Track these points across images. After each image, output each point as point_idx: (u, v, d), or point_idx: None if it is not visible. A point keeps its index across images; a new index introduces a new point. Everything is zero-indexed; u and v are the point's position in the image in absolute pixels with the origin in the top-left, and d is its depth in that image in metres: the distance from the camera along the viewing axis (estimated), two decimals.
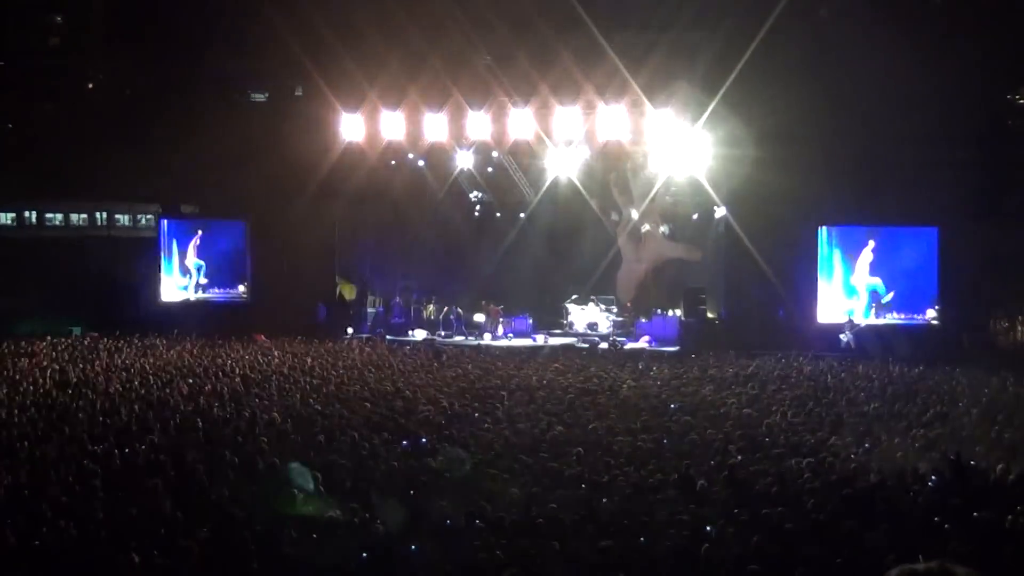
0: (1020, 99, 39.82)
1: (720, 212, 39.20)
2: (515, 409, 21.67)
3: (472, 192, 43.26)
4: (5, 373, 26.04)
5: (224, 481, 14.51)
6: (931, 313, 35.34)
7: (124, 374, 26.20)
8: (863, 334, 34.73)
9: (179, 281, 41.19)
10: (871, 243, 35.90)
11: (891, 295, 35.61)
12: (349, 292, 41.80)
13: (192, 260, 41.17)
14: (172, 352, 31.11)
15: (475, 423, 19.91)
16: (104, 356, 29.85)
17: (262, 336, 34.52)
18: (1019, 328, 37.33)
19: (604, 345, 37.04)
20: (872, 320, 35.57)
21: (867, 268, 36.03)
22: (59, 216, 40.24)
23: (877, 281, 35.93)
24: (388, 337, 38.16)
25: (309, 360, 29.66)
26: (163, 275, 41.08)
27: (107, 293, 39.48)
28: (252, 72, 41.07)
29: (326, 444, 17.38)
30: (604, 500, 14.01)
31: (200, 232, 41.12)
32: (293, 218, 38.36)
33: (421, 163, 40.25)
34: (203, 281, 41.00)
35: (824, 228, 36.37)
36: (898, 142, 34.50)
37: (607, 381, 26.36)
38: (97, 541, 11.69)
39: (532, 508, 13.39)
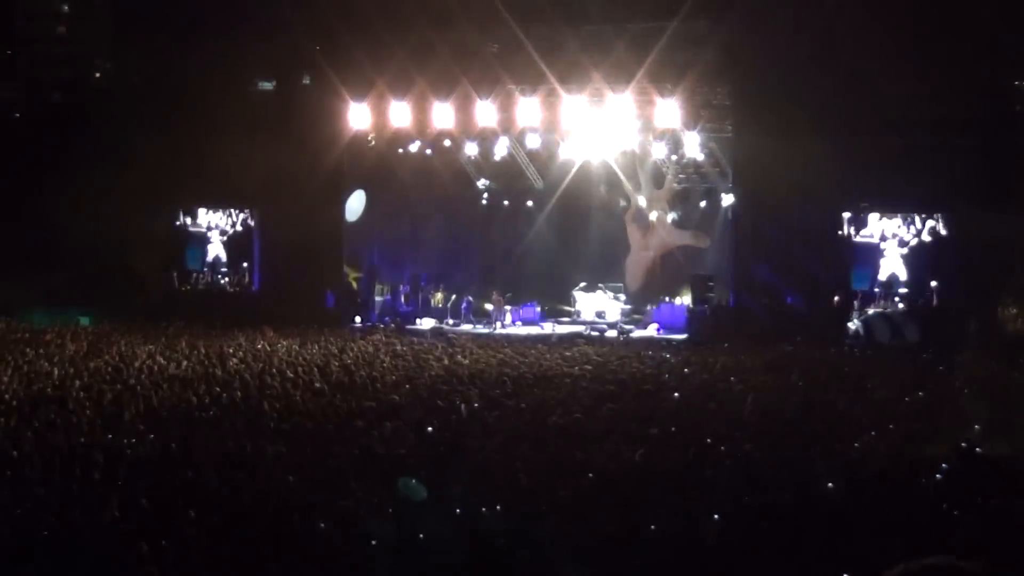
0: None
1: (728, 199, 39.15)
2: (523, 398, 21.69)
3: (479, 180, 43.24)
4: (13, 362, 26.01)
5: (233, 469, 14.54)
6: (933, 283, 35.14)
7: (132, 363, 26.20)
8: (872, 321, 34.66)
9: (188, 269, 41.23)
10: (893, 235, 35.78)
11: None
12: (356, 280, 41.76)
13: (209, 254, 41.21)
14: (183, 342, 31.13)
15: (486, 412, 19.93)
16: (116, 347, 29.80)
17: (269, 330, 34.26)
18: None
19: (612, 333, 37.05)
20: (880, 307, 35.49)
21: (886, 260, 35.91)
22: (67, 203, 40.07)
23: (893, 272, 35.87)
24: (392, 325, 38.24)
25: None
26: (173, 264, 41.17)
27: (117, 282, 39.46)
28: (260, 60, 41.04)
29: (335, 433, 17.40)
30: (612, 486, 14.03)
31: (217, 224, 41.15)
32: (301, 206, 38.32)
33: (428, 151, 40.24)
34: (218, 272, 41.11)
35: (831, 213, 36.24)
36: (905, 128, 34.38)
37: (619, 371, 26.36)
38: (106, 530, 11.72)
39: (539, 494, 13.42)
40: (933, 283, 35.06)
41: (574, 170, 40.64)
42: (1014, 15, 34.01)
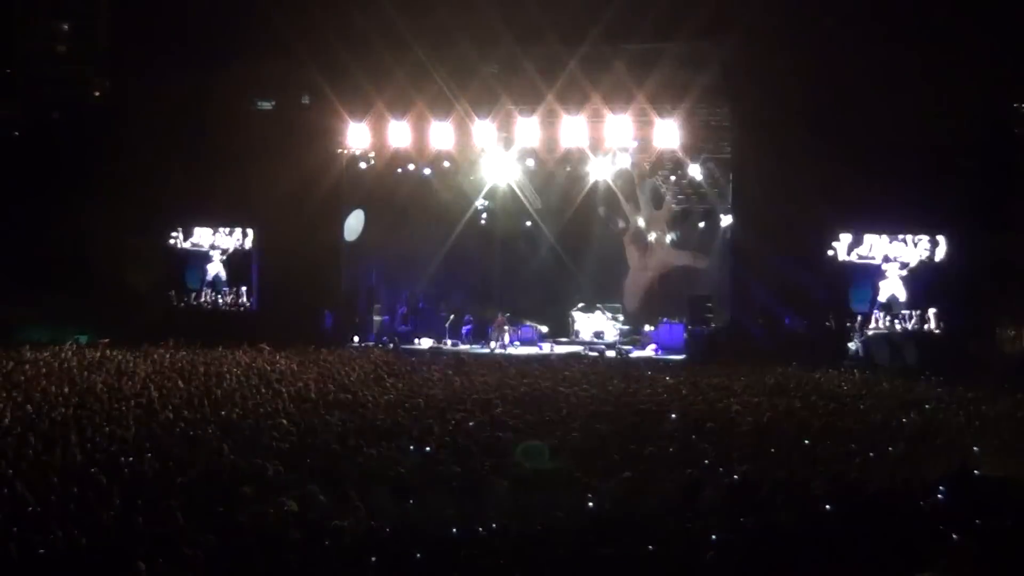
0: None
1: (727, 220, 39.14)
2: (523, 416, 21.63)
3: (478, 199, 43.21)
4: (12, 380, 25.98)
5: (231, 488, 14.50)
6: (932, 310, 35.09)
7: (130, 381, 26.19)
8: (871, 342, 34.62)
9: (187, 288, 41.26)
10: (893, 256, 35.65)
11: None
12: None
13: (208, 273, 41.23)
14: (181, 360, 31.11)
15: (479, 430, 19.89)
16: (115, 365, 29.76)
17: (267, 349, 34.12)
18: None
19: (611, 353, 37.01)
20: (880, 328, 35.40)
21: (886, 281, 35.80)
22: (66, 221, 40.06)
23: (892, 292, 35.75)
24: (390, 345, 38.25)
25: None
26: (172, 283, 41.23)
27: (115, 300, 39.41)
28: (259, 80, 41.07)
29: (334, 452, 17.36)
30: (608, 507, 13.99)
31: (216, 243, 41.16)
32: (299, 226, 38.33)
33: (427, 171, 40.18)
34: (218, 291, 41.12)
35: (830, 235, 36.19)
36: (904, 150, 34.35)
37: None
38: (103, 549, 11.69)
39: (535, 515, 13.37)
40: (933, 309, 35.01)
41: (572, 190, 40.74)
42: (1014, 36, 34.05)
